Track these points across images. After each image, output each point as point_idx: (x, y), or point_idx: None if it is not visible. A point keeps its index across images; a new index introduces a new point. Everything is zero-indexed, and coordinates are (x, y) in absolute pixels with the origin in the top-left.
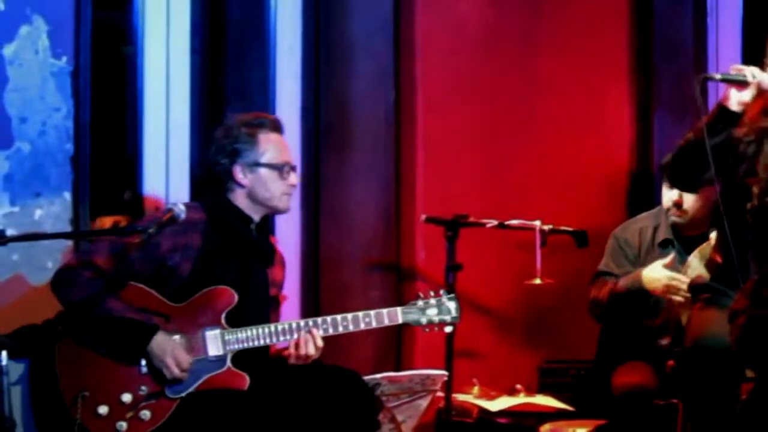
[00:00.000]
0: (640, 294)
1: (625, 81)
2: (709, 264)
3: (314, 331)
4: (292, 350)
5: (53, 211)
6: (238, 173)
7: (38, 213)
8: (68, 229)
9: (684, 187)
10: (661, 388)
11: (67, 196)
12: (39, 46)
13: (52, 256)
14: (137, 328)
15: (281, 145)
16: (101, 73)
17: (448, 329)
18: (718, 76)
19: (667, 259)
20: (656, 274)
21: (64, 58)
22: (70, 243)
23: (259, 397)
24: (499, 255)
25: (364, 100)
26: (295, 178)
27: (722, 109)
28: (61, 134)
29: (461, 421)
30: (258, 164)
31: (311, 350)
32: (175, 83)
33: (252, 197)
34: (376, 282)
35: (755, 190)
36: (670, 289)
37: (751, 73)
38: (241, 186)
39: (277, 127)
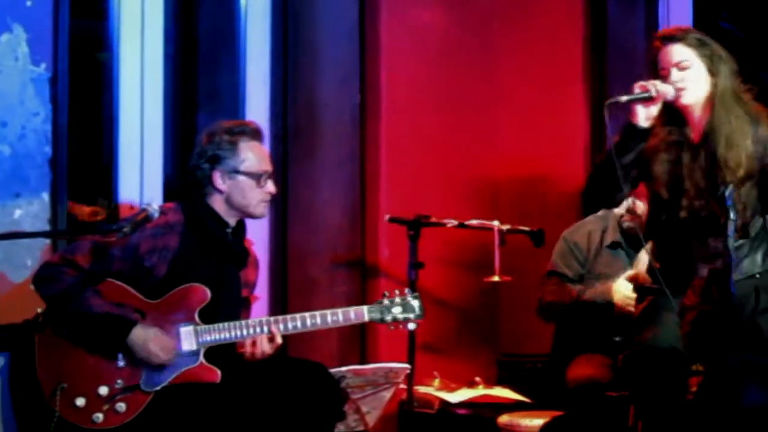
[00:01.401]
0: (607, 306)
1: (580, 85)
2: (649, 269)
3: (274, 329)
4: (248, 348)
5: (32, 210)
6: (218, 179)
7: (18, 213)
8: (46, 228)
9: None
10: (614, 380)
11: (46, 196)
12: (19, 53)
13: (32, 254)
14: (116, 323)
15: (261, 154)
16: (78, 79)
17: (412, 326)
18: (624, 99)
19: (629, 273)
20: (623, 288)
21: (43, 65)
22: (48, 241)
23: (230, 391)
24: (460, 253)
25: (330, 104)
26: (272, 187)
27: (630, 127)
28: (39, 137)
29: (423, 412)
30: (237, 171)
31: (267, 348)
32: (149, 88)
33: (229, 202)
34: (342, 278)
35: (684, 202)
36: (625, 304)
37: (654, 87)
38: (220, 191)
39: (258, 136)
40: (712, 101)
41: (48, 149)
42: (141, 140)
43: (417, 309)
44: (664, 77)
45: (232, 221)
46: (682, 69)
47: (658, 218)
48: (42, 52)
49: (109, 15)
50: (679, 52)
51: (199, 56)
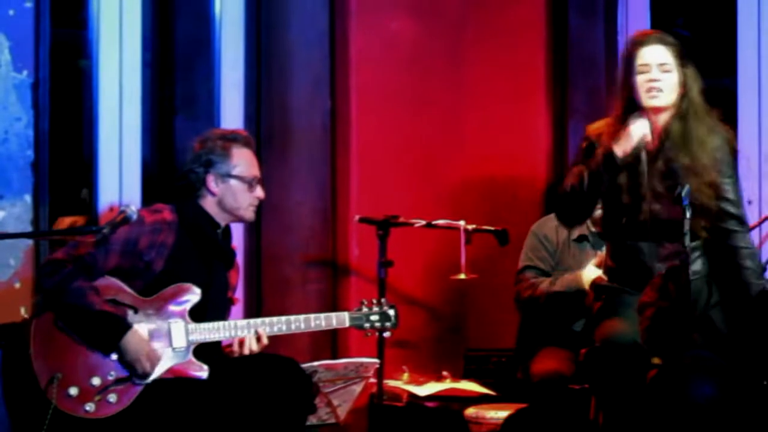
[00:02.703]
0: (577, 294)
1: (543, 93)
2: (604, 267)
3: (261, 331)
4: (236, 347)
5: (15, 212)
6: (211, 182)
7: (1, 214)
8: (29, 229)
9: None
10: (576, 374)
11: (28, 198)
12: (1, 60)
13: (14, 254)
14: (112, 324)
15: (252, 160)
16: (59, 85)
17: (387, 334)
18: (633, 142)
19: (597, 259)
20: (592, 274)
21: (25, 72)
22: (31, 242)
23: (210, 385)
24: (427, 252)
25: (302, 108)
26: (261, 192)
27: (609, 158)
28: (22, 141)
29: (392, 405)
30: (230, 175)
31: (254, 347)
32: (127, 94)
33: (221, 205)
34: (314, 276)
35: (644, 206)
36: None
37: (635, 130)
38: (213, 194)
39: (249, 143)
40: (675, 111)
41: (30, 153)
42: (120, 144)
43: (393, 319)
44: (644, 73)
45: (222, 223)
46: (664, 71)
47: (617, 221)
48: (24, 59)
49: (89, 24)
50: (664, 54)
51: (176, 63)
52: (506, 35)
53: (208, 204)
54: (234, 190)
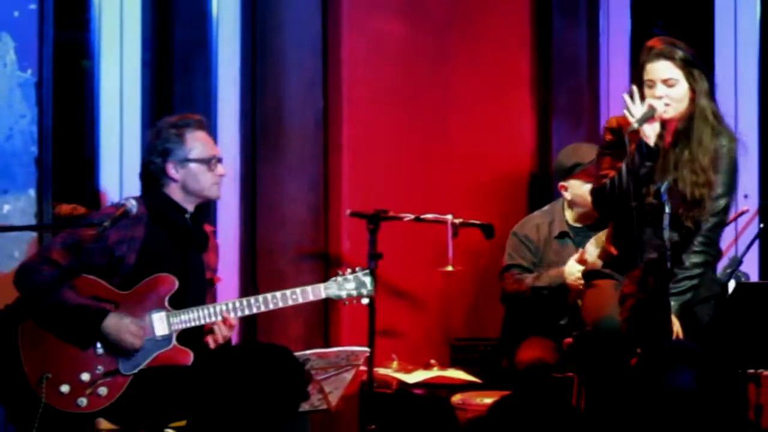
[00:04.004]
0: (560, 289)
1: (527, 91)
2: (603, 254)
3: (224, 315)
4: (211, 344)
5: (19, 206)
6: (171, 169)
7: (6, 208)
8: (33, 222)
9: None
10: (559, 362)
11: (32, 192)
12: (7, 60)
13: (19, 246)
14: (90, 314)
15: (206, 140)
16: (62, 84)
17: (365, 301)
18: (636, 125)
19: (578, 254)
20: (574, 269)
21: (29, 71)
22: (34, 234)
23: (202, 372)
24: (416, 245)
25: (295, 107)
26: (222, 169)
27: (646, 147)
28: (26, 138)
29: (382, 392)
30: (187, 160)
31: (225, 332)
32: (127, 93)
33: (185, 190)
34: (307, 268)
35: (648, 199)
36: (578, 283)
37: (651, 105)
38: (175, 180)
39: (201, 126)
40: (688, 114)
41: (34, 149)
42: (120, 141)
43: (369, 285)
44: (650, 87)
45: (190, 207)
46: (669, 86)
47: (623, 205)
48: (28, 59)
49: (91, 25)
50: (668, 69)
51: (174, 63)
52: (491, 36)
53: (173, 191)
54: (194, 172)
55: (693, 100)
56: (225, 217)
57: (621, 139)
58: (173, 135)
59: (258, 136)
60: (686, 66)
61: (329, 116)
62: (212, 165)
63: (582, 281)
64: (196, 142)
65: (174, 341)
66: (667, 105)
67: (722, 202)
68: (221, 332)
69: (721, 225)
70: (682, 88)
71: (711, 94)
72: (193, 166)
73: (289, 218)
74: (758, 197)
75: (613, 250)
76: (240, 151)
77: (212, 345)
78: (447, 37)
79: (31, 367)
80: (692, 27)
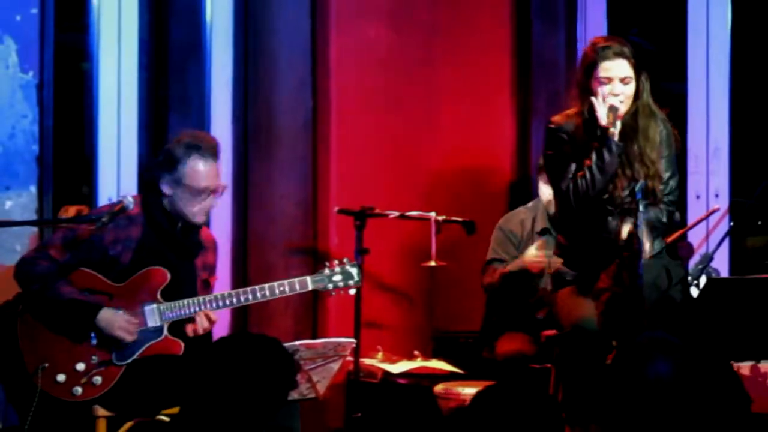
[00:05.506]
0: (524, 274)
1: (508, 94)
2: (558, 244)
3: (206, 311)
4: (189, 331)
5: (21, 202)
6: (164, 184)
7: (8, 204)
8: (34, 217)
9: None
10: (537, 354)
11: (33, 189)
12: (9, 62)
13: (20, 241)
14: (84, 308)
15: (207, 171)
16: (62, 85)
17: (352, 292)
18: (616, 126)
19: (537, 243)
20: (528, 254)
21: (31, 73)
22: (35, 229)
23: (193, 363)
24: (400, 241)
25: (286, 107)
26: (212, 202)
27: (616, 145)
28: (28, 137)
29: (368, 381)
30: (179, 183)
31: (206, 325)
32: (125, 94)
33: (172, 206)
34: (296, 263)
35: (619, 193)
36: (534, 262)
37: (613, 105)
38: (165, 195)
39: (211, 153)
40: (633, 110)
41: (35, 147)
42: (118, 140)
43: (355, 276)
44: (604, 84)
45: (180, 221)
46: (625, 84)
47: (576, 212)
48: (30, 61)
49: (90, 29)
50: (626, 68)
51: (170, 65)
52: (474, 40)
53: (165, 201)
54: (182, 197)
55: (636, 98)
56: (218, 214)
57: (575, 140)
58: (180, 154)
59: (250, 136)
60: (636, 65)
61: (318, 117)
62: (202, 197)
63: (540, 258)
64: (194, 171)
65: (165, 332)
66: (621, 102)
67: (672, 183)
68: (201, 324)
69: (676, 203)
70: (633, 86)
71: (651, 92)
72: (182, 190)
73: (279, 215)
74: (728, 196)
75: (562, 240)
76: (232, 150)
77: (190, 333)
78: (432, 41)
79: (30, 357)
80: (666, 33)
